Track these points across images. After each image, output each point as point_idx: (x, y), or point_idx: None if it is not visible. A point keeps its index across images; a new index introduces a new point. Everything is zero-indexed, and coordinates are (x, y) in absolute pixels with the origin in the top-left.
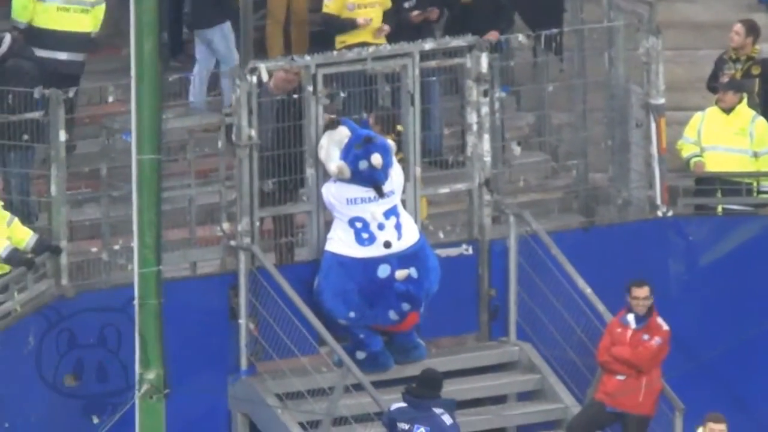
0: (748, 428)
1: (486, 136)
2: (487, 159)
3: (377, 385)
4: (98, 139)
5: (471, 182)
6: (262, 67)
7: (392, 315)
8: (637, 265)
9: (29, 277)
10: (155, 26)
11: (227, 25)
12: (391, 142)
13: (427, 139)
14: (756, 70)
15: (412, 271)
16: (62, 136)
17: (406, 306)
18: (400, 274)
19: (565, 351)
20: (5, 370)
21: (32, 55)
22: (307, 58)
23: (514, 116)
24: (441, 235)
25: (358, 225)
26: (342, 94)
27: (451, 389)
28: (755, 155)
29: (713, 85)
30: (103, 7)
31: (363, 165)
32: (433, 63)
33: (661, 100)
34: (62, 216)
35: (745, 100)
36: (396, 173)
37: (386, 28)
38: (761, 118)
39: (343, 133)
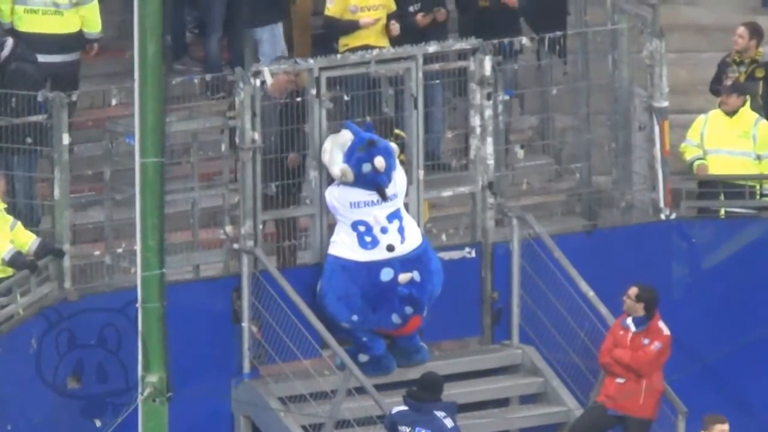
0: (751, 431)
1: (489, 139)
2: (491, 162)
3: (380, 388)
4: (101, 142)
5: (474, 185)
6: (266, 70)
7: (395, 318)
8: (640, 268)
9: (32, 280)
10: (159, 29)
11: (278, 27)
12: (394, 146)
13: (428, 142)
14: (759, 73)
15: (415, 275)
16: (65, 139)
17: (408, 309)
18: (403, 277)
19: (568, 354)
20: (8, 373)
21: (35, 58)
22: (311, 61)
23: (518, 119)
24: (444, 238)
25: (361, 228)
26: (345, 97)
27: (453, 392)
28: (758, 158)
29: (716, 87)
30: (91, 6)
31: (366, 168)
32: (436, 66)
33: (665, 103)
34: (65, 219)
35: (748, 103)
36: (399, 176)
37: (396, 25)
38: (764, 121)
39: (346, 136)
